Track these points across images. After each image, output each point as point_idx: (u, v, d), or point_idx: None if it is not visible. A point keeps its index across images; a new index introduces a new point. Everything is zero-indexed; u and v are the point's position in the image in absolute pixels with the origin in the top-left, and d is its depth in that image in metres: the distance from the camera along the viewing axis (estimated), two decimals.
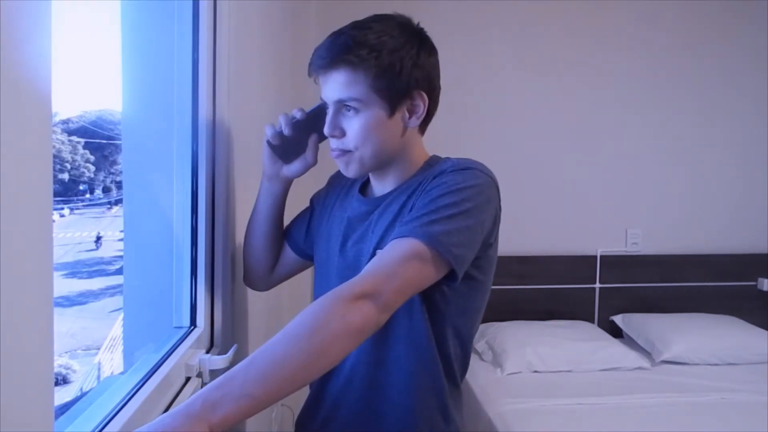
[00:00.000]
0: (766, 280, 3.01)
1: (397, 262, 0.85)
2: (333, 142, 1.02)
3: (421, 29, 1.03)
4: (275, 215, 1.20)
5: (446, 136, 2.90)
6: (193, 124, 1.12)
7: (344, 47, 0.95)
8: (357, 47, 0.94)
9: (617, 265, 2.99)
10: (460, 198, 0.92)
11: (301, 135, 1.11)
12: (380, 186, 1.09)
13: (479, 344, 2.65)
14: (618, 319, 2.91)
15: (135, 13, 1.09)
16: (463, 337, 1.05)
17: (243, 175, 1.32)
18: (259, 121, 1.59)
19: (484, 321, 2.78)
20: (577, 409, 2.09)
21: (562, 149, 2.97)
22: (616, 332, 2.86)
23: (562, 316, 2.89)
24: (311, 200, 1.26)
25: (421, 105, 1.02)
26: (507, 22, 2.91)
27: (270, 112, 1.74)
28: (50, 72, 0.51)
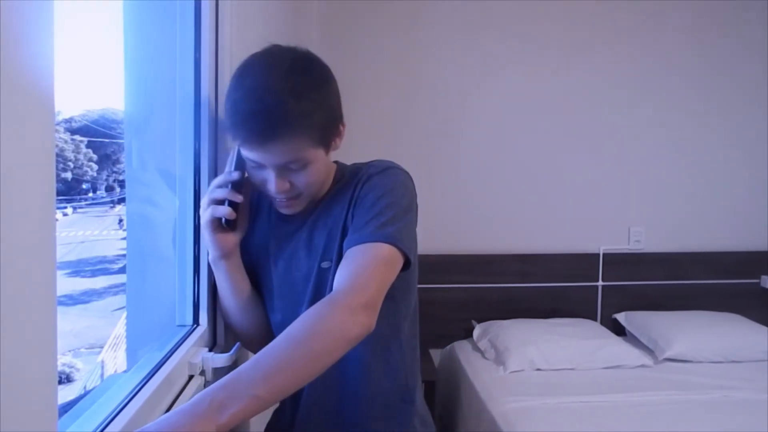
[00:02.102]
0: None
1: (372, 268, 0.93)
2: (279, 194, 0.99)
3: (316, 57, 1.00)
4: (247, 285, 1.13)
5: (447, 135, 2.91)
6: (195, 122, 1.12)
7: (278, 121, 0.91)
8: (290, 118, 0.91)
9: (620, 262, 2.99)
10: (396, 197, 1.01)
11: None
12: None
13: (481, 342, 2.65)
14: (621, 317, 2.91)
15: (137, 12, 1.09)
16: (414, 313, 1.16)
17: None
18: None
19: (486, 319, 2.81)
20: (579, 408, 2.09)
21: (565, 147, 2.97)
22: (618, 330, 2.85)
23: (564, 314, 2.89)
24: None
25: (343, 130, 1.04)
26: (507, 19, 2.91)
27: None
28: (53, 71, 0.51)
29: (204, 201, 1.03)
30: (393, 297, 1.03)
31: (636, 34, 2.96)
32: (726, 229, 3.06)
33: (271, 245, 1.12)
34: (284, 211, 1.05)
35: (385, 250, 0.94)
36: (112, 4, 1.08)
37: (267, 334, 1.12)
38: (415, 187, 1.09)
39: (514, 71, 2.93)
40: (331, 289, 0.96)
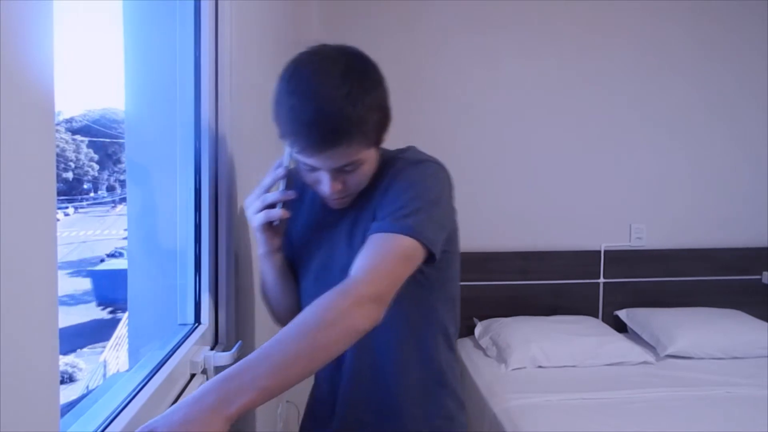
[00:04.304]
0: None
1: (389, 260, 0.92)
2: (333, 194, 1.02)
3: (368, 59, 1.00)
4: (290, 272, 1.18)
5: (449, 133, 2.91)
6: (195, 122, 1.12)
7: (337, 128, 0.92)
8: (349, 124, 0.92)
9: (621, 259, 2.99)
10: (423, 189, 1.01)
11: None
12: None
13: (483, 340, 2.66)
14: (622, 314, 2.91)
15: (137, 11, 1.09)
16: (452, 300, 1.16)
17: (245, 172, 1.32)
18: (261, 118, 1.59)
19: (488, 317, 2.81)
20: (581, 405, 2.10)
21: (566, 144, 2.97)
22: (620, 327, 2.85)
23: (566, 312, 2.89)
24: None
25: (389, 124, 1.04)
26: (508, 18, 2.91)
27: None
28: (52, 71, 0.51)
29: (254, 204, 1.04)
30: (424, 285, 1.06)
31: (637, 32, 2.96)
32: (727, 226, 3.05)
33: (313, 233, 1.14)
34: (335, 206, 1.08)
35: (405, 242, 0.94)
36: (112, 4, 1.08)
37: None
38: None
39: (515, 69, 2.92)
40: None
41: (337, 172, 0.98)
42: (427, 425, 1.12)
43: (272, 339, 0.78)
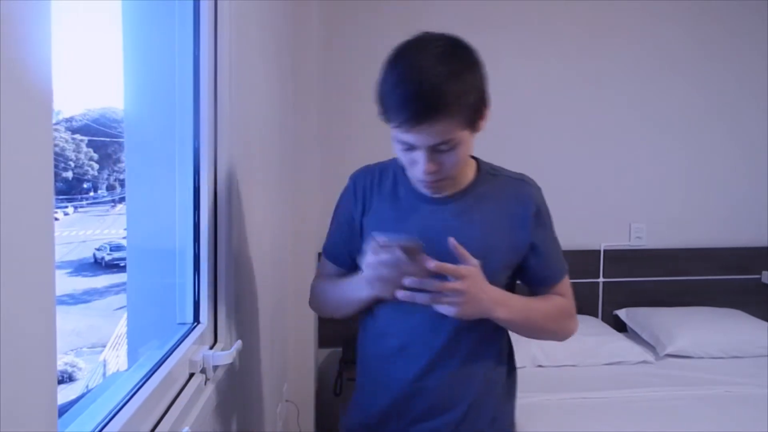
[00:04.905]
0: None
1: (571, 293, 1.28)
2: (428, 176, 1.05)
3: (468, 44, 1.06)
4: None
5: None
6: (194, 121, 1.12)
7: (435, 101, 0.96)
8: (446, 98, 0.96)
9: (621, 259, 2.99)
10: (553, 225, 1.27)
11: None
12: None
13: None
14: (622, 313, 2.91)
15: (136, 11, 1.09)
16: None
17: (245, 171, 1.32)
18: (260, 116, 1.59)
19: None
20: (581, 404, 2.10)
21: (565, 143, 2.97)
22: (620, 327, 2.85)
23: None
24: (351, 215, 1.21)
25: (487, 113, 1.08)
26: (508, 17, 2.91)
27: (271, 107, 1.74)
28: (51, 70, 0.51)
29: (391, 278, 1.02)
30: None
31: (637, 32, 2.96)
32: (726, 225, 3.05)
33: (394, 224, 1.14)
34: (429, 192, 1.12)
35: (568, 278, 1.28)
36: (112, 4, 1.08)
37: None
38: None
39: (515, 69, 2.92)
40: None
41: (433, 152, 1.02)
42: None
43: (539, 302, 1.22)
